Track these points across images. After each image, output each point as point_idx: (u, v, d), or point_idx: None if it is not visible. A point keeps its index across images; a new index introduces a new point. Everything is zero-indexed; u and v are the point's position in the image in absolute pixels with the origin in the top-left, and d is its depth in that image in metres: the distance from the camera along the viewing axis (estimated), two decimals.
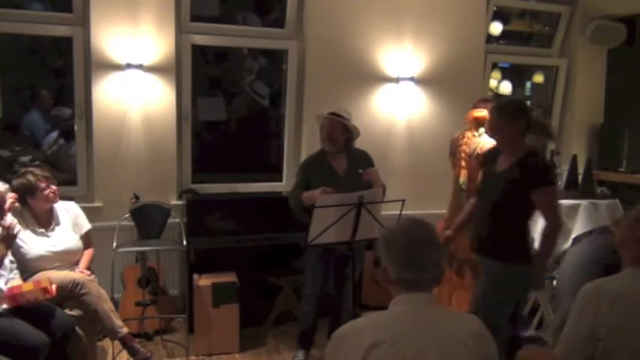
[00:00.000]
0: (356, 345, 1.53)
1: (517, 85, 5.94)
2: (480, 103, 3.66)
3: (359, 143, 3.64)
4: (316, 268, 3.50)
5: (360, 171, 3.40)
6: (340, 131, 3.44)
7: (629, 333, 1.78)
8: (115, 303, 3.52)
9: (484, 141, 3.57)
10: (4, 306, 2.87)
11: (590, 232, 4.00)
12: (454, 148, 3.73)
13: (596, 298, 1.85)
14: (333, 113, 3.47)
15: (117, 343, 3.34)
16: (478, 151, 3.54)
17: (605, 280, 1.94)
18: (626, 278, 1.93)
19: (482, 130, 3.59)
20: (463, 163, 3.59)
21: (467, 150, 3.59)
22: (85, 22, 4.13)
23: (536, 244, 3.70)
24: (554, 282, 3.78)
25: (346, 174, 3.47)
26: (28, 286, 2.92)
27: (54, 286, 2.92)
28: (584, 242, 3.30)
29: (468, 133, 3.65)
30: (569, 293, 2.70)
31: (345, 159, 3.51)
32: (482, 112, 3.58)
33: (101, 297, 3.21)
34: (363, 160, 3.54)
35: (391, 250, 1.64)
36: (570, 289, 2.78)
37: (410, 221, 1.69)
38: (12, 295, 2.86)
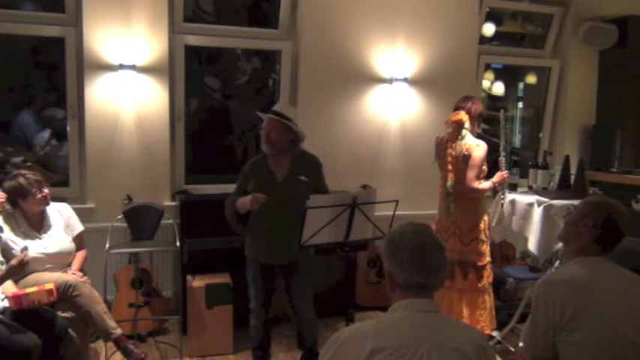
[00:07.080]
0: (357, 349, 1.52)
1: (510, 86, 5.97)
2: (462, 102, 3.66)
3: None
4: (255, 282, 3.26)
5: (303, 178, 3.09)
6: (281, 132, 3.09)
7: (585, 316, 1.86)
8: (108, 304, 3.51)
9: (470, 142, 3.57)
10: (6, 304, 2.87)
11: None
12: (440, 150, 3.72)
13: (546, 290, 1.94)
14: (275, 112, 3.11)
15: (110, 344, 3.33)
16: (465, 152, 3.54)
17: (555, 272, 2.08)
18: (575, 266, 2.03)
19: (464, 132, 3.58)
20: (450, 167, 3.59)
21: (453, 153, 3.59)
22: (77, 23, 4.11)
23: (530, 245, 3.74)
24: None
25: (285, 179, 3.17)
26: (32, 288, 2.92)
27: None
28: None
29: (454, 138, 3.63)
30: None
31: (288, 163, 3.19)
32: (459, 115, 3.58)
33: (94, 299, 3.19)
34: (307, 165, 3.20)
35: (400, 254, 1.63)
36: None
37: (415, 225, 1.69)
38: (16, 297, 2.86)
